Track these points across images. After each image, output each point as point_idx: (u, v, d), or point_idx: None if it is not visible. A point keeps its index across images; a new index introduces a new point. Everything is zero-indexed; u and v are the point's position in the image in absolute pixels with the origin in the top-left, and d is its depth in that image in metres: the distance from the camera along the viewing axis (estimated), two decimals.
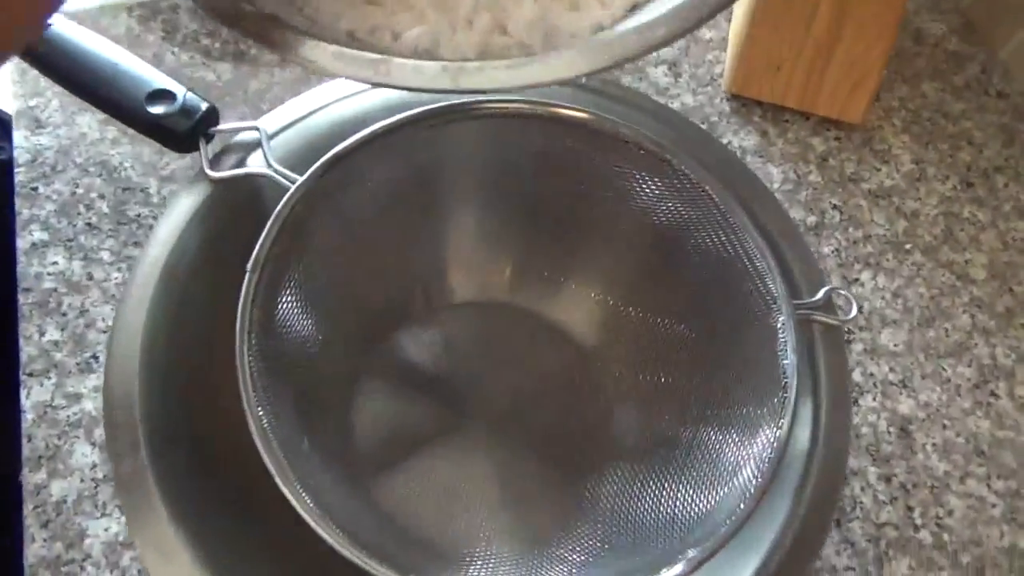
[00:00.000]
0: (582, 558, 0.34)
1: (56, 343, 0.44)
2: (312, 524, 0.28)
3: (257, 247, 0.32)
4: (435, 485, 0.38)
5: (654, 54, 0.58)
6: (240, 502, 0.34)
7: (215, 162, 0.37)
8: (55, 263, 0.47)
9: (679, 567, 0.28)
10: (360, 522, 0.32)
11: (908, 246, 0.52)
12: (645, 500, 0.34)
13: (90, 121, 0.52)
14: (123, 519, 0.40)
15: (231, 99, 0.54)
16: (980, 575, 0.42)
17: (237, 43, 0.56)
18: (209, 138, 0.36)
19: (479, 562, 0.34)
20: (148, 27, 0.56)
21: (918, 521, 0.43)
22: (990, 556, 0.42)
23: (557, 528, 0.35)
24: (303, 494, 0.29)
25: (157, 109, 0.35)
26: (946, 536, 0.43)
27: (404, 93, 0.41)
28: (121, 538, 0.40)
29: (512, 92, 0.28)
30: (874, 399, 0.46)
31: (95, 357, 0.44)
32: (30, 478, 0.40)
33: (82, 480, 0.41)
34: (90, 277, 0.46)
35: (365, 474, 0.37)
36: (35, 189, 0.49)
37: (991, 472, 0.45)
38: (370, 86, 0.39)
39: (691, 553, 0.28)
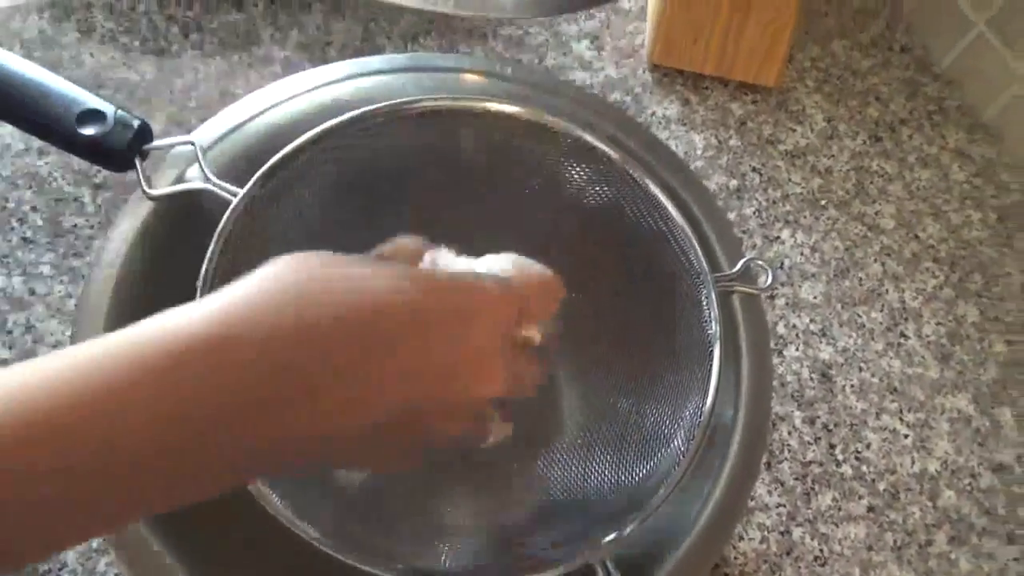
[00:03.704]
0: (538, 524, 0.36)
1: (5, 361, 0.44)
2: (288, 524, 0.30)
3: (205, 263, 0.33)
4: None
5: (577, 27, 0.60)
6: (214, 502, 0.36)
7: (153, 176, 0.37)
8: None
9: (622, 528, 0.31)
10: (332, 515, 0.34)
11: (823, 202, 0.56)
12: (592, 468, 0.37)
13: (12, 131, 0.51)
14: None
15: (157, 100, 0.53)
16: (895, 499, 0.47)
17: (157, 39, 0.56)
18: (144, 155, 0.36)
19: (447, 538, 0.37)
20: (61, 28, 0.55)
21: (839, 457, 0.47)
22: (903, 481, 0.47)
23: (515, 499, 0.38)
24: (273, 497, 0.31)
25: (89, 130, 0.35)
26: (864, 468, 0.47)
27: (338, 95, 0.42)
28: (95, 545, 0.41)
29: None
30: (797, 349, 0.50)
31: None
32: None
33: None
34: (32, 292, 0.47)
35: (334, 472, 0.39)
36: None
37: (902, 406, 0.49)
38: (303, 91, 0.40)
39: (631, 516, 0.31)
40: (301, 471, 0.30)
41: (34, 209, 0.49)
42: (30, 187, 0.50)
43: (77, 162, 0.50)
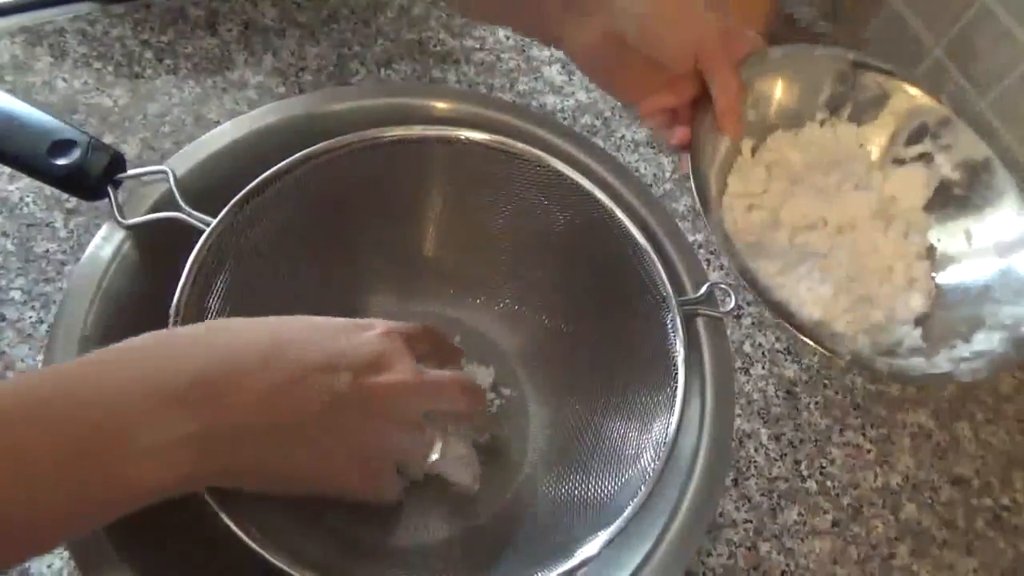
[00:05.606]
0: (513, 540, 0.37)
1: None
2: (262, 553, 0.30)
3: (177, 292, 0.33)
4: None
5: (548, 53, 0.61)
6: (188, 533, 0.36)
7: (127, 203, 0.37)
8: None
9: (592, 546, 0.31)
10: (304, 540, 0.35)
11: None
12: (563, 487, 0.38)
13: None
14: (66, 555, 0.41)
15: (130, 125, 0.53)
16: (859, 513, 0.48)
17: (131, 64, 0.56)
18: (117, 185, 0.36)
19: (418, 554, 0.37)
20: (34, 53, 0.55)
21: (804, 472, 0.49)
22: (866, 496, 0.48)
23: (490, 515, 0.39)
24: (249, 526, 0.31)
25: (61, 160, 0.35)
26: (829, 483, 0.49)
27: (311, 124, 0.43)
28: (66, 574, 0.41)
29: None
30: (763, 367, 0.52)
31: None
32: None
33: None
34: (3, 318, 0.46)
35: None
36: None
37: (865, 423, 0.51)
38: (277, 120, 0.41)
39: (601, 534, 0.31)
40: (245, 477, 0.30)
41: (5, 234, 0.49)
42: (0, 213, 0.49)
43: (49, 188, 0.50)
